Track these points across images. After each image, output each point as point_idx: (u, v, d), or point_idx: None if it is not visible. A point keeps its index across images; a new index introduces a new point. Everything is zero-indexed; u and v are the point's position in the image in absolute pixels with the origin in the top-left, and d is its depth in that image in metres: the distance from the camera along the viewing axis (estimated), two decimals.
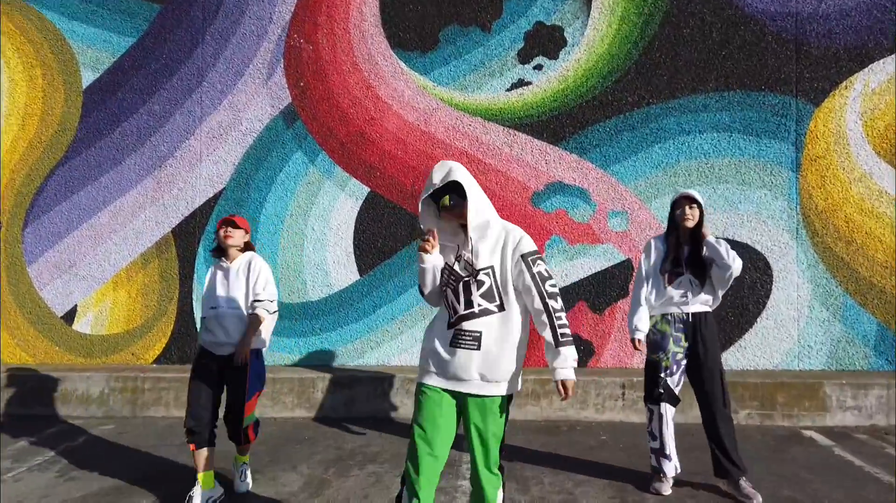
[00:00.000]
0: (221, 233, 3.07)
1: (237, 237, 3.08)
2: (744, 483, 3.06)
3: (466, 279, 2.09)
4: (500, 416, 2.12)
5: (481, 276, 2.08)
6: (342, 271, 5.22)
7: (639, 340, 3.09)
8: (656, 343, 3.13)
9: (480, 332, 2.06)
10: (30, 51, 5.43)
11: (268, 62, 5.24)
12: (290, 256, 5.18)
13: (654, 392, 3.12)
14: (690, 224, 3.03)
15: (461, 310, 2.09)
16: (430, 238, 2.11)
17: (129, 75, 5.32)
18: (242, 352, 2.96)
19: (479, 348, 2.06)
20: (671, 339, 3.10)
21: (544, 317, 2.06)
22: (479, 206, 2.10)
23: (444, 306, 2.16)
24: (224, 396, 3.14)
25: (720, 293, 3.11)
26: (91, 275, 5.34)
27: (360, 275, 5.21)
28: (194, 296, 5.23)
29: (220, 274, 3.13)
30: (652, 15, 5.07)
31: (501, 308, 2.08)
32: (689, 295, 3.07)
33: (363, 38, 5.22)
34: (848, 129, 4.95)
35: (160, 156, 5.29)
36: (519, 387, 2.19)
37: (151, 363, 5.28)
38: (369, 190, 5.18)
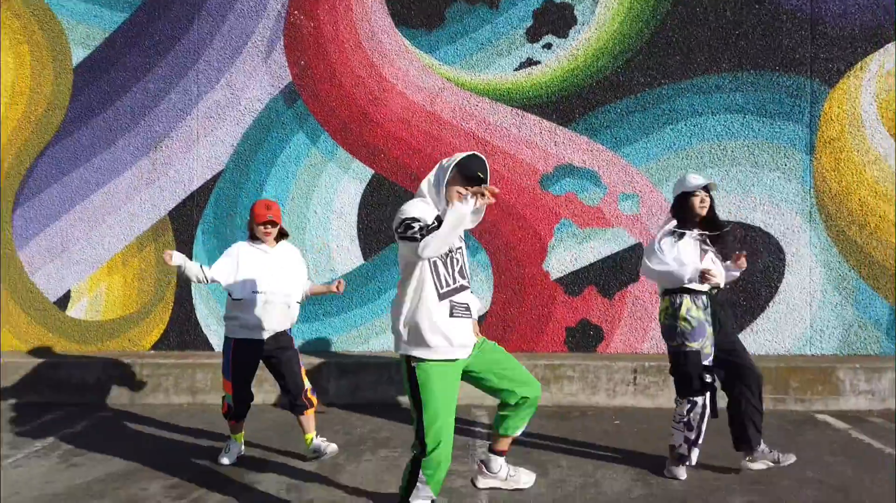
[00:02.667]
0: (262, 229, 3.27)
1: (275, 232, 3.35)
2: (765, 448, 3.13)
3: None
4: None
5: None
6: (346, 255, 5.12)
7: (705, 269, 2.97)
8: (696, 331, 3.02)
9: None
10: (17, 26, 5.23)
11: (267, 39, 5.10)
12: (292, 240, 5.09)
13: (696, 383, 3.00)
14: (705, 211, 3.10)
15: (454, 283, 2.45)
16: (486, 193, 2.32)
17: (122, 52, 5.16)
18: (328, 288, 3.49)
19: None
20: (707, 324, 3.05)
21: None
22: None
23: (431, 279, 2.40)
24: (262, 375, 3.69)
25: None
26: (84, 259, 5.20)
27: (365, 260, 5.11)
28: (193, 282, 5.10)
29: (260, 257, 3.29)
30: None
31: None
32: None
33: (366, 15, 5.09)
34: (863, 111, 4.89)
35: (155, 136, 5.15)
36: None
37: (149, 349, 5.16)
38: (373, 173, 5.07)
